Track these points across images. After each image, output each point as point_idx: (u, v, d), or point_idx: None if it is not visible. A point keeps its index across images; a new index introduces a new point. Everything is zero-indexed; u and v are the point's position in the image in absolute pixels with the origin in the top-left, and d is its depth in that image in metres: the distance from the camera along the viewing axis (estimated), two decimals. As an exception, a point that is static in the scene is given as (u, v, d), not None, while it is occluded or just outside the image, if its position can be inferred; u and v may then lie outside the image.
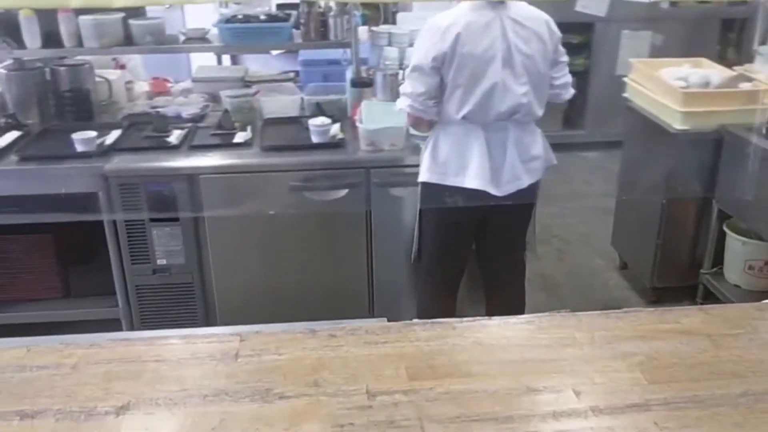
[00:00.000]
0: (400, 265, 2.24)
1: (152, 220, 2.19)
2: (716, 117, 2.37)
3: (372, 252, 2.26)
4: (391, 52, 2.47)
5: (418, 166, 1.96)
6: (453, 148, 1.87)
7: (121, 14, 2.41)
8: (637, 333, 1.05)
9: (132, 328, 2.31)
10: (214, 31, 2.56)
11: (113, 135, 2.30)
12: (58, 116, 2.49)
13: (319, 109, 2.37)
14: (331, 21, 2.39)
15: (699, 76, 2.50)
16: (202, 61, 3.43)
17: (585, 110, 4.16)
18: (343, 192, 2.17)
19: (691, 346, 1.02)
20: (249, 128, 2.34)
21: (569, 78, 1.96)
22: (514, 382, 0.95)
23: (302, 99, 2.51)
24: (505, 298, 2.11)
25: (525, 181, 1.91)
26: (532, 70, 1.81)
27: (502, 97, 1.80)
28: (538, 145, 1.94)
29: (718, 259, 2.54)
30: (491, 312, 2.06)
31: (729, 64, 2.71)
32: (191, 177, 2.14)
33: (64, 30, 2.34)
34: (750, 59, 2.79)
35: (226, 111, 2.41)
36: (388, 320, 1.13)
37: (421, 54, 1.80)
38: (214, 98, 2.62)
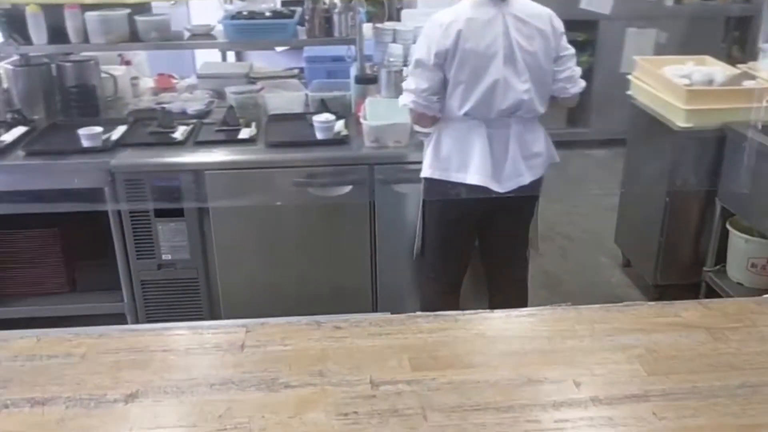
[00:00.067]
0: (404, 261, 2.25)
1: (157, 215, 2.21)
2: (720, 114, 2.37)
3: (375, 248, 2.28)
4: (396, 49, 2.48)
5: (421, 162, 1.97)
6: (455, 144, 1.88)
7: (127, 10, 2.42)
8: (636, 326, 1.06)
9: (137, 323, 2.33)
10: (219, 27, 2.57)
11: (119, 131, 2.32)
12: (64, 112, 2.51)
13: (323, 106, 2.38)
14: (335, 18, 2.40)
15: (702, 74, 2.50)
16: (206, 57, 3.44)
17: (589, 108, 4.16)
18: (347, 188, 2.19)
19: (690, 339, 1.03)
20: (254, 124, 2.36)
21: (576, 71, 1.91)
22: (515, 373, 0.96)
23: (306, 95, 2.52)
24: (508, 294, 2.12)
25: (526, 178, 1.91)
26: (534, 67, 1.82)
27: (504, 94, 1.81)
28: (540, 142, 1.94)
29: (721, 257, 2.54)
30: (494, 308, 2.07)
31: (734, 62, 2.72)
32: (196, 172, 2.15)
33: (70, 26, 2.35)
34: (754, 57, 2.79)
35: (231, 107, 2.42)
36: (392, 315, 1.14)
37: (423, 50, 1.81)
38: (219, 94, 2.64)
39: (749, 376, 0.95)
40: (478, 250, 2.13)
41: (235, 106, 2.42)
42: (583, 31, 4.00)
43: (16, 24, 2.34)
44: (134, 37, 2.43)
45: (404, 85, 1.89)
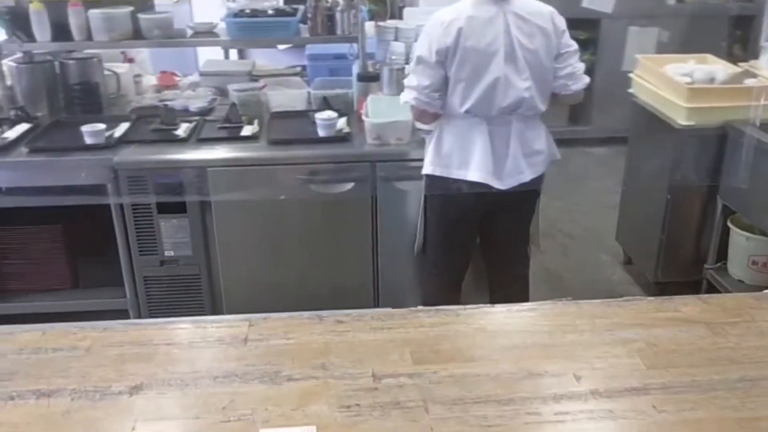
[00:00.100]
0: (405, 258, 2.26)
1: (160, 212, 2.22)
2: (721, 113, 2.38)
3: (377, 245, 2.29)
4: (398, 47, 2.48)
5: (423, 159, 1.98)
6: (456, 141, 1.89)
7: (130, 8, 2.43)
8: (636, 321, 1.07)
9: (140, 319, 2.34)
10: (222, 25, 2.58)
11: (122, 128, 2.33)
12: (67, 109, 2.52)
13: (325, 103, 2.39)
14: (338, 16, 2.40)
15: (704, 72, 2.51)
16: (209, 55, 3.45)
17: (591, 106, 4.16)
18: (349, 185, 2.20)
19: (690, 334, 1.04)
20: (256, 122, 2.36)
21: (577, 68, 1.89)
22: (516, 367, 0.97)
23: (309, 93, 2.52)
24: (509, 291, 2.13)
25: (527, 175, 1.92)
26: (534, 64, 1.82)
27: (505, 92, 1.82)
28: (541, 139, 1.95)
29: (722, 255, 2.54)
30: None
31: (735, 61, 2.72)
32: (199, 169, 2.16)
33: (74, 23, 2.36)
34: (756, 56, 2.79)
35: (234, 104, 2.43)
36: (393, 311, 1.15)
37: (425, 48, 1.82)
38: (222, 92, 2.64)
39: (748, 370, 0.96)
40: (480, 247, 2.14)
41: (237, 104, 2.43)
42: (585, 30, 4.00)
43: (20, 21, 2.35)
44: (137, 34, 2.44)
45: (406, 82, 1.90)
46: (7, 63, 2.50)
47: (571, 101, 2.03)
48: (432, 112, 1.89)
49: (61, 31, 2.38)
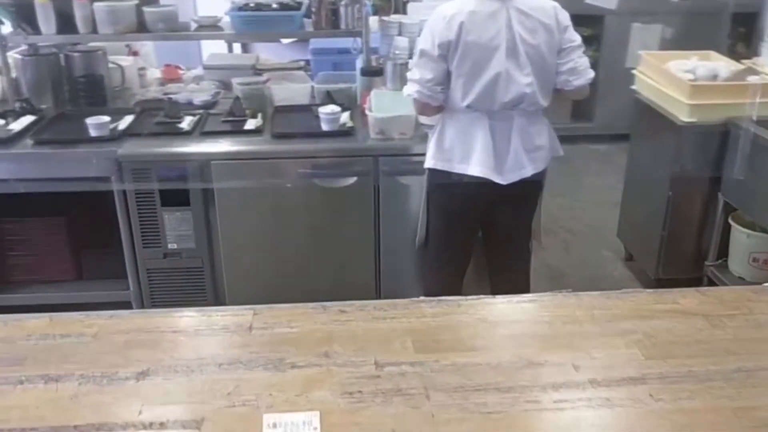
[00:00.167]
0: (407, 252, 2.27)
1: (163, 204, 2.23)
2: (723, 109, 2.38)
3: (379, 240, 2.30)
4: (401, 42, 2.49)
5: (426, 154, 1.99)
6: (458, 135, 1.90)
7: (135, 1, 2.44)
8: (635, 312, 1.08)
9: (143, 311, 2.36)
10: (226, 19, 2.59)
11: (126, 120, 2.34)
12: (72, 101, 2.53)
13: (329, 98, 2.40)
14: (342, 10, 2.41)
15: (707, 69, 2.51)
16: (212, 48, 3.46)
17: (594, 102, 4.16)
18: (352, 179, 2.21)
19: (688, 326, 1.05)
20: (260, 115, 2.38)
21: (579, 63, 1.87)
22: (516, 356, 0.98)
23: (312, 87, 2.54)
24: (510, 286, 2.14)
25: (528, 171, 1.93)
26: (536, 60, 1.83)
27: (506, 87, 1.82)
28: (543, 135, 1.95)
29: (723, 252, 2.55)
30: (495, 298, 2.09)
31: (738, 58, 2.72)
32: (203, 162, 2.18)
33: (79, 16, 2.37)
34: (759, 53, 2.79)
35: (238, 98, 2.44)
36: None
37: (428, 41, 1.83)
38: (225, 85, 2.66)
39: (745, 361, 0.97)
40: (481, 241, 2.15)
41: (241, 97, 2.44)
42: (588, 26, 4.00)
43: (26, 14, 2.36)
44: (142, 27, 2.45)
45: (409, 75, 1.91)
46: (13, 55, 2.52)
47: (575, 97, 2.02)
48: (434, 105, 1.90)
49: (66, 24, 2.39)
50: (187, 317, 1.11)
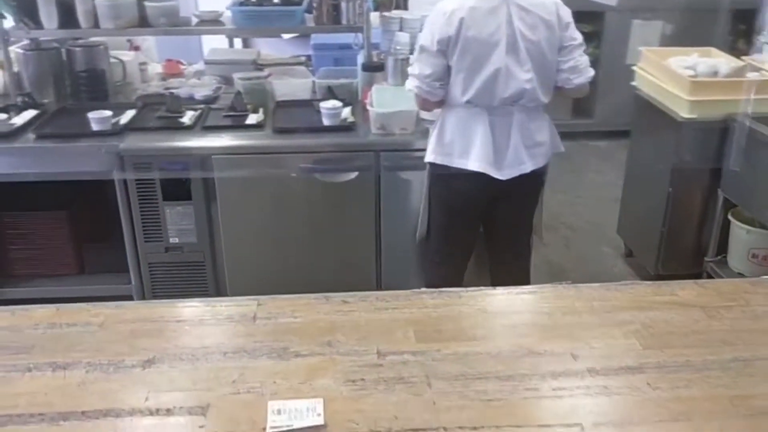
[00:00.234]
0: (408, 247, 2.28)
1: (165, 199, 2.24)
2: (723, 106, 2.39)
3: (380, 234, 2.31)
4: (402, 37, 2.50)
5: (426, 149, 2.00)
6: (458, 130, 1.91)
7: (137, -5, 2.45)
8: (634, 304, 1.10)
9: (145, 304, 2.37)
10: (227, 14, 2.59)
11: (128, 115, 2.35)
12: (74, 96, 2.54)
13: (330, 93, 2.41)
14: (343, 5, 2.42)
15: (707, 66, 2.52)
16: (213, 43, 3.46)
17: (594, 99, 4.16)
18: (353, 174, 2.22)
19: (686, 317, 1.07)
20: (261, 110, 2.39)
21: (580, 62, 1.88)
22: (516, 346, 1.00)
23: (314, 82, 2.54)
24: (510, 280, 2.15)
25: (528, 167, 1.93)
26: (537, 56, 1.83)
27: (506, 83, 1.83)
28: (543, 131, 1.96)
29: (723, 248, 2.56)
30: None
31: (739, 54, 2.72)
32: (204, 157, 2.19)
33: (81, 10, 2.38)
34: (760, 49, 2.79)
35: (239, 93, 2.45)
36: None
37: (428, 37, 1.84)
38: (227, 80, 2.66)
39: (741, 351, 0.99)
40: (483, 236, 2.16)
41: (242, 92, 2.45)
42: (589, 23, 4.00)
43: (27, 8, 2.37)
44: (143, 22, 2.46)
45: (409, 70, 1.92)
46: (15, 50, 2.52)
47: (575, 95, 2.03)
48: (433, 100, 1.91)
49: (67, 19, 2.40)
50: (192, 307, 1.12)
